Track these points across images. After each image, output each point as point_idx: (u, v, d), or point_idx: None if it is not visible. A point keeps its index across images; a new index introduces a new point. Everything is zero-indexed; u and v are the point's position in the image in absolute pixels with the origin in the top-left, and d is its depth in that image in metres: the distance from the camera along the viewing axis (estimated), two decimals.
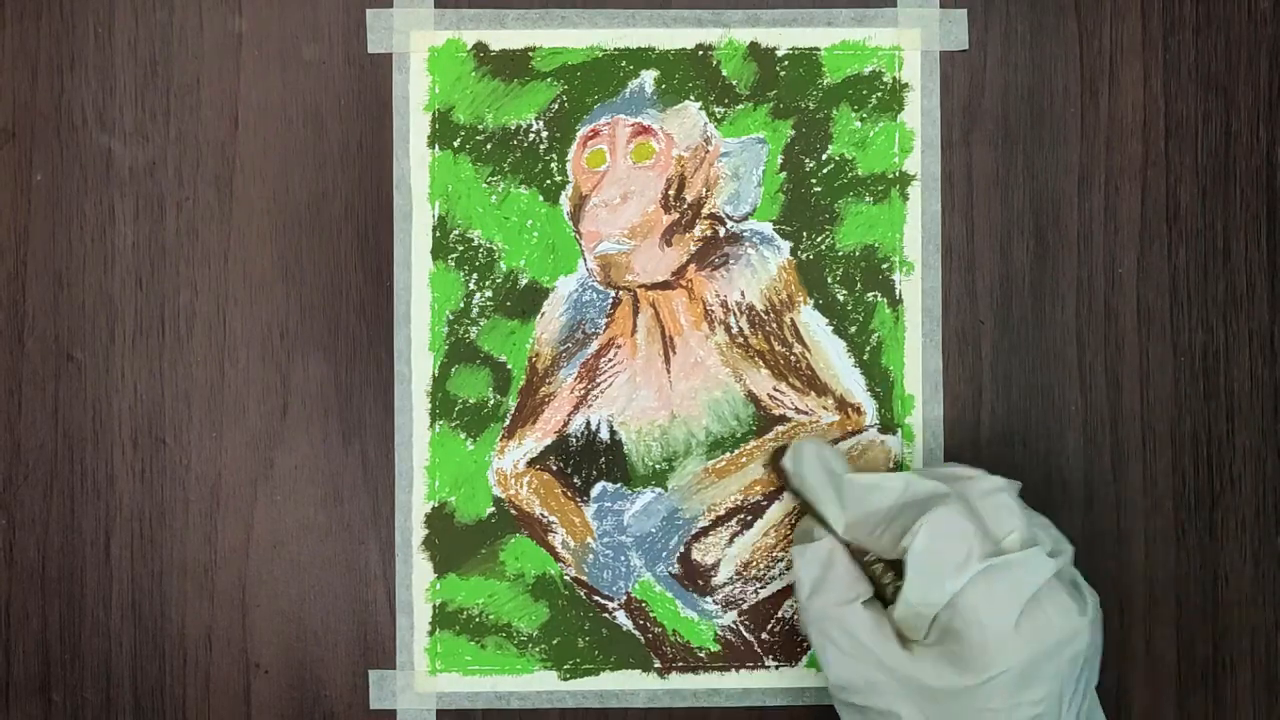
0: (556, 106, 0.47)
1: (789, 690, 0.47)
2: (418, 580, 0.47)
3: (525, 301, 0.47)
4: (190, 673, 0.47)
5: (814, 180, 0.47)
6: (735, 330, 0.47)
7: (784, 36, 0.47)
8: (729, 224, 0.47)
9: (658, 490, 0.47)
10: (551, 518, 0.47)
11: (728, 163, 0.47)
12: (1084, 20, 0.47)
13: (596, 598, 0.47)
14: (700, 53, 0.47)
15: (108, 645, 0.47)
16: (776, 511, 0.47)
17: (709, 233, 0.47)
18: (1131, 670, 0.47)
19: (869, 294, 0.47)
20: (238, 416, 0.47)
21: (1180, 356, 0.47)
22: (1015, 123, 0.47)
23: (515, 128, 0.47)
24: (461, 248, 0.47)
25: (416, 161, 0.47)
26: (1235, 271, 0.47)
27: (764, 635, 0.47)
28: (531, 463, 0.47)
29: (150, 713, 0.47)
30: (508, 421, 0.47)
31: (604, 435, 0.47)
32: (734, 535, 0.47)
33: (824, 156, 0.47)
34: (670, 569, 0.47)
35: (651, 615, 0.47)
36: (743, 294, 0.47)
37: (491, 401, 0.47)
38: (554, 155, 0.47)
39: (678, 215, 0.47)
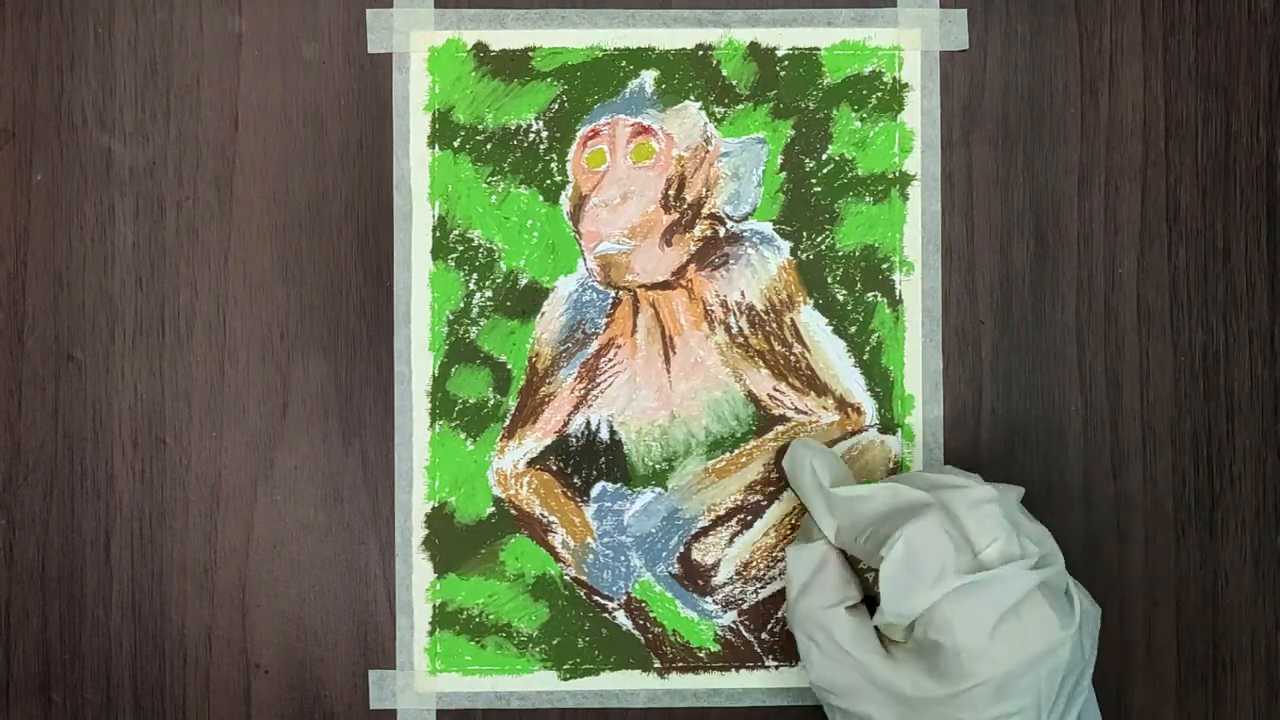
0: (556, 106, 0.47)
1: (789, 690, 0.47)
2: (418, 580, 0.47)
3: (525, 301, 0.47)
4: (190, 673, 0.47)
5: (814, 180, 0.47)
6: (735, 330, 0.47)
7: (784, 36, 0.47)
8: (729, 224, 0.47)
9: (658, 490, 0.47)
10: (551, 518, 0.47)
11: (728, 163, 0.47)
12: (1084, 20, 0.47)
13: (596, 598, 0.47)
14: (700, 53, 0.47)
15: (108, 645, 0.47)
16: (776, 511, 0.47)
17: (709, 233, 0.47)
18: (1131, 670, 0.47)
19: (869, 294, 0.47)
20: (238, 416, 0.47)
21: (1180, 356, 0.47)
22: (1015, 123, 0.47)
23: (515, 128, 0.47)
24: (461, 248, 0.47)
25: (416, 161, 0.47)
26: (1235, 271, 0.47)
27: (764, 635, 0.47)
28: (531, 463, 0.47)
29: (150, 713, 0.47)
30: (508, 421, 0.47)
31: (604, 435, 0.47)
32: (734, 535, 0.47)
33: (824, 156, 0.47)
34: (670, 569, 0.47)
35: (651, 615, 0.47)
36: (743, 294, 0.47)
37: (491, 401, 0.47)
38: (554, 155, 0.47)
39: (678, 215, 0.47)
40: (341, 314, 0.47)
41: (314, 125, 0.47)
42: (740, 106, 0.47)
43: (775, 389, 0.47)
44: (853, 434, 0.47)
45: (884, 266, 0.47)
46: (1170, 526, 0.47)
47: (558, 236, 0.47)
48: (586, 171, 0.47)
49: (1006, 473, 0.46)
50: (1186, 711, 0.47)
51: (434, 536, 0.47)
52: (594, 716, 0.47)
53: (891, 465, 0.47)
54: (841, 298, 0.47)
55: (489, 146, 0.47)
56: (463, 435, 0.47)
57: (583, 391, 0.47)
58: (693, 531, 0.47)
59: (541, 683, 0.47)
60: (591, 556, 0.47)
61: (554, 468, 0.47)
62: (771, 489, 0.47)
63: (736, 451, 0.47)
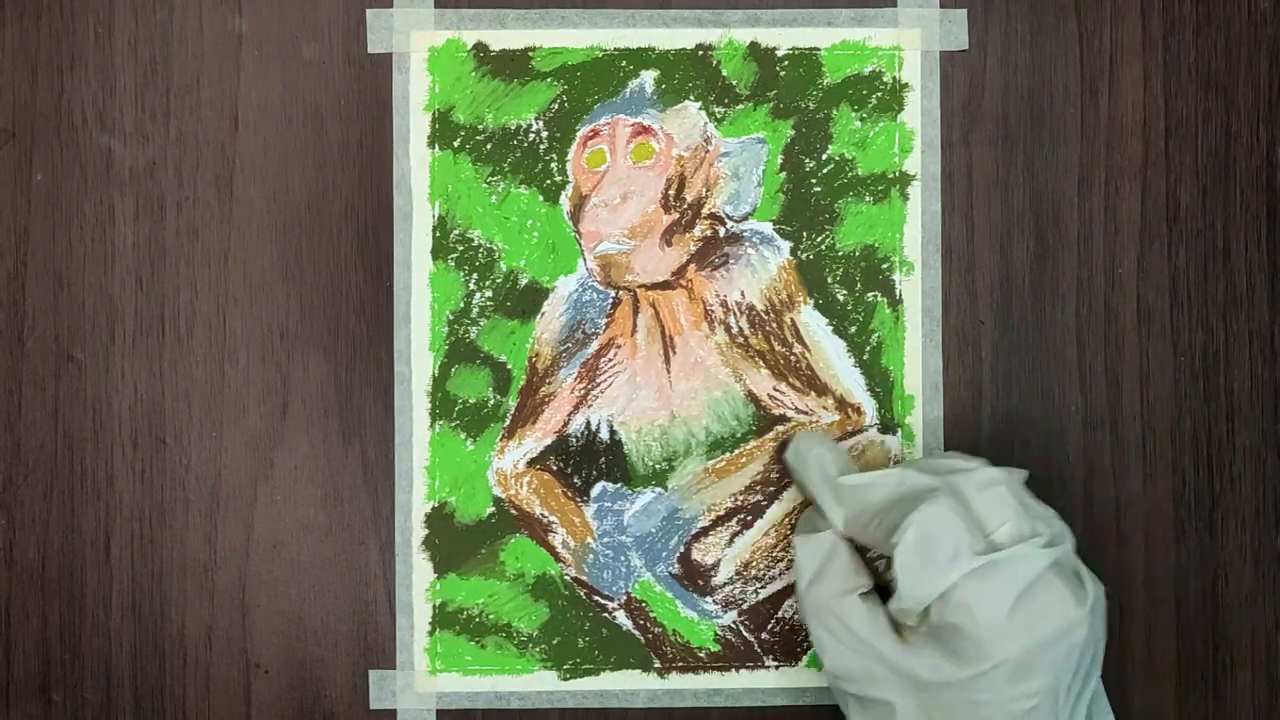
0: (556, 106, 0.47)
1: (789, 690, 0.47)
2: (418, 580, 0.47)
3: (525, 301, 0.47)
4: (190, 673, 0.47)
5: (814, 180, 0.47)
6: (735, 330, 0.47)
7: (784, 36, 0.47)
8: (729, 224, 0.47)
9: (658, 490, 0.47)
10: (551, 518, 0.47)
11: (728, 163, 0.47)
12: (1084, 20, 0.47)
13: (596, 598, 0.47)
14: (700, 53, 0.47)
15: (108, 645, 0.47)
16: (776, 511, 0.47)
17: (709, 233, 0.47)
18: (1131, 670, 0.47)
19: (869, 294, 0.47)
20: (238, 416, 0.47)
21: (1180, 356, 0.47)
22: (1015, 123, 0.47)
23: (515, 128, 0.47)
24: (461, 248, 0.47)
25: (416, 161, 0.47)
26: (1235, 271, 0.47)
27: (764, 635, 0.47)
28: (531, 463, 0.47)
29: (150, 713, 0.47)
30: (508, 421, 0.47)
31: (604, 435, 0.47)
32: (734, 535, 0.47)
33: (824, 156, 0.47)
34: (670, 569, 0.47)
35: (651, 615, 0.47)
36: (743, 294, 0.47)
37: (491, 401, 0.47)
38: (554, 155, 0.47)
39: (678, 215, 0.47)
40: (341, 314, 0.47)
41: (314, 125, 0.47)
42: (740, 106, 0.47)
43: (775, 389, 0.47)
44: (853, 434, 0.47)
45: (884, 266, 0.47)
46: (1170, 526, 0.47)
47: (558, 236, 0.47)
48: (586, 171, 0.47)
49: None
50: (1186, 711, 0.47)
51: (434, 536, 0.47)
52: (594, 716, 0.47)
53: (891, 465, 0.47)
54: (841, 298, 0.47)
55: (489, 146, 0.47)
56: (463, 435, 0.47)
57: (583, 391, 0.47)
58: (693, 531, 0.47)
59: (541, 683, 0.47)
60: (591, 556, 0.47)
61: (554, 468, 0.47)
62: (772, 489, 0.47)
63: (737, 451, 0.47)
